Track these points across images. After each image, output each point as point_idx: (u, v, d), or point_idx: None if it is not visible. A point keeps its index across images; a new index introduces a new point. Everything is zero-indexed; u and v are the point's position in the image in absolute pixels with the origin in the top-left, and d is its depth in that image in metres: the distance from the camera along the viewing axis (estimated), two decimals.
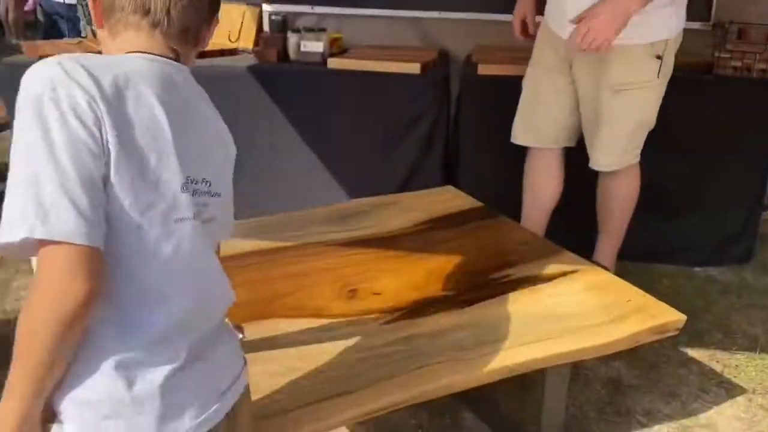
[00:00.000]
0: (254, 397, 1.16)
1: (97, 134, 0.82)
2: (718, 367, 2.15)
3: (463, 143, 2.86)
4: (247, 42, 3.24)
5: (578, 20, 2.00)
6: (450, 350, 1.33)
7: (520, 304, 1.51)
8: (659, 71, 2.12)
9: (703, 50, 2.85)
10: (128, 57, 0.93)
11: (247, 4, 3.28)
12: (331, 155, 2.91)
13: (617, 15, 1.94)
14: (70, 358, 0.82)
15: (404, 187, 2.79)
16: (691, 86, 2.70)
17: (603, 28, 1.94)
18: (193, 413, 0.89)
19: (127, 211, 0.84)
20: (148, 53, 0.94)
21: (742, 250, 2.83)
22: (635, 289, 1.59)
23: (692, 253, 2.83)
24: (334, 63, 2.87)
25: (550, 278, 1.63)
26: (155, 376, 0.86)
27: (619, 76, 2.09)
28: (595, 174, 2.56)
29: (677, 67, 2.76)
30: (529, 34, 2.43)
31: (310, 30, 3.06)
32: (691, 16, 3.05)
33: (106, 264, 0.82)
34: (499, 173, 2.68)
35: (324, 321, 1.44)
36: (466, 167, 2.87)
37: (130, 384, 0.84)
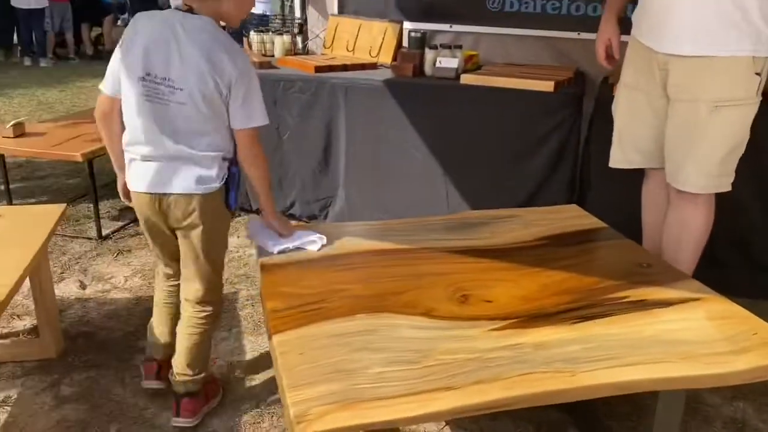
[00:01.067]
0: (366, 382, 1.26)
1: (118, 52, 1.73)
2: None
3: (593, 164, 2.82)
4: (386, 57, 3.40)
5: None
6: (556, 362, 1.35)
7: (634, 325, 1.49)
8: (758, 89, 2.03)
9: None
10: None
11: (390, 21, 3.45)
12: (460, 168, 2.99)
13: None
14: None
15: (530, 202, 2.82)
16: None
17: None
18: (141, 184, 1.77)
19: (123, 83, 1.72)
20: (174, 7, 1.71)
21: None
22: (764, 323, 1.52)
23: None
24: (466, 79, 2.95)
25: (670, 303, 1.59)
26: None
27: (722, 91, 2.01)
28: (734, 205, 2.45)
29: None
30: (614, 59, 2.39)
31: (446, 47, 3.17)
32: None
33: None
34: (628, 196, 2.61)
35: (434, 321, 1.50)
36: (594, 188, 2.84)
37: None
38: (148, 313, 2.39)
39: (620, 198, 2.65)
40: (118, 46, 1.75)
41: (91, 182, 3.19)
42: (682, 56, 2.04)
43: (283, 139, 3.21)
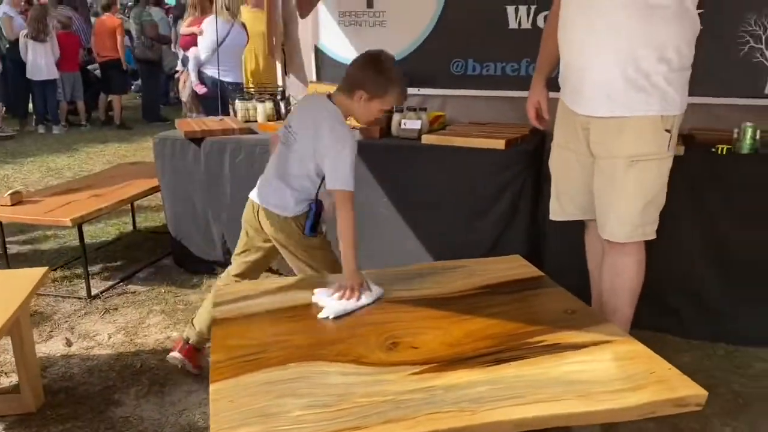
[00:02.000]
0: (284, 424, 1.40)
1: None
2: None
3: (547, 216, 2.97)
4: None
5: None
6: (463, 401, 1.48)
7: (543, 367, 1.62)
8: (669, 144, 2.20)
9: None
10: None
11: None
12: (424, 223, 3.16)
13: None
14: None
15: (490, 254, 2.95)
16: None
17: None
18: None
19: None
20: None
21: None
22: (664, 362, 1.63)
23: None
24: (427, 139, 3.15)
25: (582, 346, 1.72)
26: None
27: (635, 148, 2.17)
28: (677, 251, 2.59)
29: None
30: (545, 120, 2.57)
31: (412, 109, 3.38)
32: None
33: None
34: (582, 245, 2.76)
35: (361, 367, 1.64)
36: (550, 239, 2.98)
37: None
38: (128, 368, 2.55)
39: (575, 247, 2.79)
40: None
41: (81, 245, 3.40)
42: (598, 117, 2.22)
43: None
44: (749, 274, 2.72)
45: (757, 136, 2.73)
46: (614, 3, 2.10)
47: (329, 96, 2.28)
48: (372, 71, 2.21)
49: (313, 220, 2.32)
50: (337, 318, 1.93)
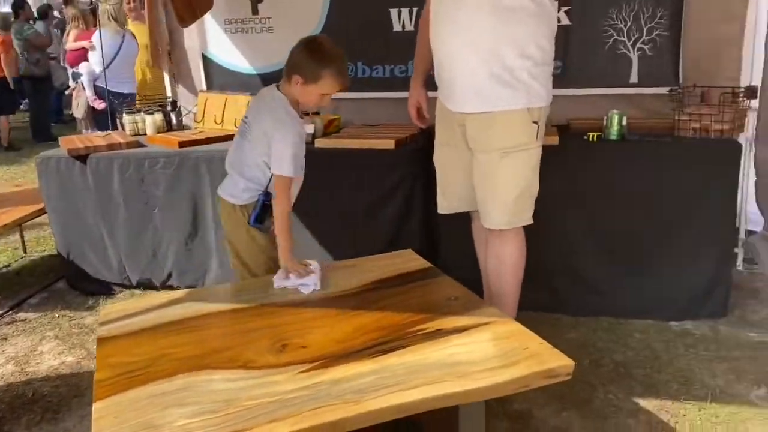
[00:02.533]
0: None
1: None
2: (665, 417, 2.22)
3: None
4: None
5: None
6: (347, 393, 1.52)
7: (425, 353, 1.69)
8: (537, 135, 2.33)
9: (669, 113, 3.02)
10: None
11: (251, 94, 3.67)
12: (321, 224, 3.19)
13: None
14: None
15: (387, 251, 3.02)
16: (655, 148, 2.87)
17: None
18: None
19: None
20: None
21: (717, 304, 2.89)
22: (538, 338, 1.74)
23: (667, 308, 2.91)
24: (320, 142, 3.19)
25: (462, 330, 1.80)
26: None
27: (506, 140, 2.30)
28: (560, 235, 2.75)
29: (641, 130, 2.97)
30: (425, 119, 2.69)
31: (305, 113, 3.40)
32: (658, 81, 3.29)
33: None
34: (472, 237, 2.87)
35: (250, 372, 1.66)
36: (446, 232, 3.08)
37: None
38: (19, 398, 2.45)
39: (468, 239, 2.90)
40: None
41: None
42: (471, 114, 2.33)
43: (153, 214, 3.34)
44: (625, 250, 2.92)
45: (624, 123, 2.93)
46: (475, 4, 2.21)
47: (278, 85, 2.29)
48: (305, 54, 2.18)
49: (259, 210, 2.31)
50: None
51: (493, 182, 2.37)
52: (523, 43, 2.24)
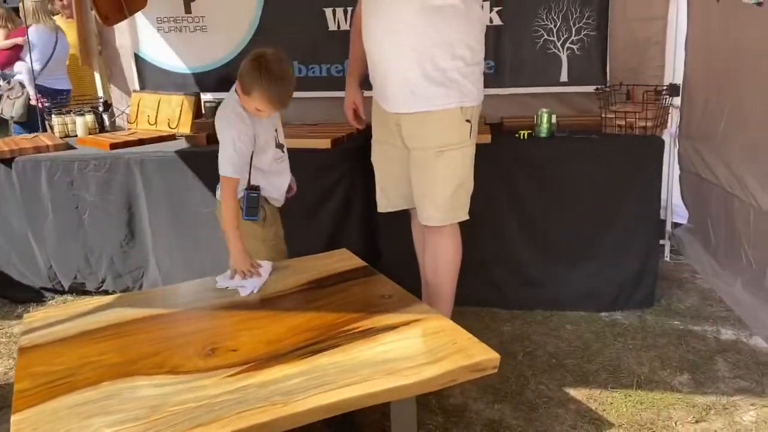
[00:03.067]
0: None
1: None
2: (593, 405, 2.29)
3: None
4: (185, 128, 3.55)
5: None
6: (275, 396, 1.52)
7: (356, 352, 1.70)
8: (470, 133, 2.38)
9: (597, 111, 3.12)
10: None
11: (186, 94, 3.61)
12: None
13: None
14: None
15: (327, 250, 3.02)
16: (583, 144, 2.96)
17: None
18: None
19: None
20: None
21: (644, 295, 3.00)
22: (466, 333, 1.77)
23: (596, 299, 3.01)
24: None
25: (393, 327, 1.82)
26: None
27: (441, 138, 2.34)
28: (495, 231, 2.80)
29: (571, 128, 3.06)
30: (362, 119, 2.72)
31: None
32: (587, 80, 3.39)
33: None
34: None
35: (177, 377, 1.63)
36: (386, 231, 3.10)
37: None
38: None
39: (409, 237, 2.92)
40: None
41: None
42: (407, 113, 2.36)
43: (83, 218, 3.24)
44: (557, 244, 3.00)
45: (553, 120, 3.01)
46: (403, 4, 2.24)
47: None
48: (247, 65, 2.15)
49: (247, 204, 2.33)
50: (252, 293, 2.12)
51: (428, 179, 2.40)
52: (453, 44, 2.27)
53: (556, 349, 2.70)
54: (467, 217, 2.47)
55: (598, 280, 2.99)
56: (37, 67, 5.05)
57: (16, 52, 5.49)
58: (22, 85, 5.55)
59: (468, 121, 2.36)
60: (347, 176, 3.07)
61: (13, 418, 1.50)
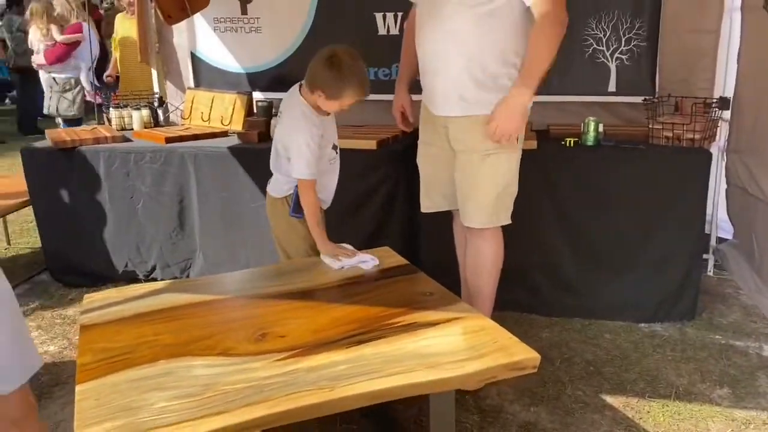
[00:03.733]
0: (149, 415, 1.45)
1: None
2: (630, 413, 2.30)
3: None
4: (238, 125, 3.67)
5: (490, 120, 2.33)
6: (322, 380, 1.58)
7: (399, 344, 1.75)
8: (518, 138, 2.42)
9: (644, 122, 3.12)
10: None
11: (239, 93, 3.73)
12: None
13: (514, 109, 2.30)
14: None
15: (368, 247, 3.08)
16: (629, 154, 2.96)
17: (507, 124, 2.30)
18: None
19: None
20: None
21: (685, 308, 2.98)
22: (507, 333, 1.81)
23: (637, 310, 3.00)
24: None
25: (435, 324, 1.87)
26: None
27: (486, 142, 2.38)
28: (537, 237, 2.82)
29: (617, 137, 3.07)
30: (410, 123, 2.77)
31: None
32: (635, 90, 3.39)
33: None
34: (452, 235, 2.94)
35: (229, 359, 1.71)
36: (427, 231, 3.15)
37: None
38: None
39: (448, 238, 2.97)
40: None
41: None
42: (455, 117, 2.41)
43: (137, 208, 3.38)
44: (599, 253, 3.01)
45: (600, 129, 3.03)
46: (458, 11, 2.29)
47: (301, 85, 2.39)
48: (327, 72, 2.24)
49: (296, 201, 2.44)
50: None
51: (473, 182, 2.44)
52: (505, 50, 2.31)
53: (593, 356, 2.71)
54: (509, 222, 2.50)
55: (639, 291, 2.98)
56: (87, 64, 5.28)
57: (71, 49, 5.72)
58: (76, 82, 5.79)
59: None
60: (391, 177, 3.13)
61: (78, 388, 1.60)
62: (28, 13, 5.79)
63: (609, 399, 2.39)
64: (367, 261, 2.31)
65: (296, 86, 2.42)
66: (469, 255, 2.58)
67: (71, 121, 5.49)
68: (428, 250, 3.15)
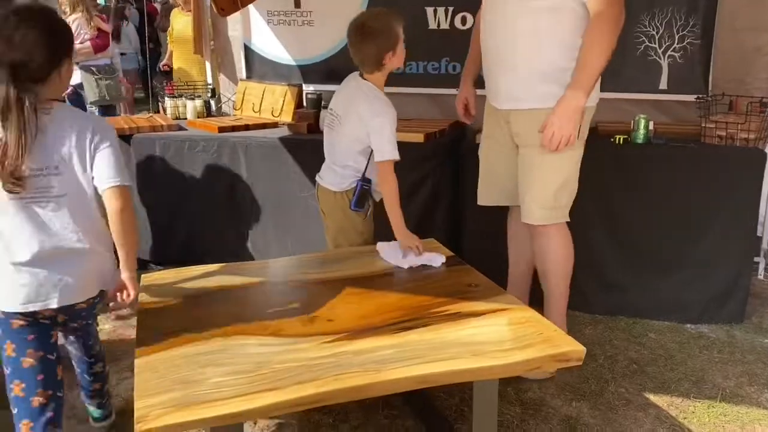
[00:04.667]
0: (204, 389, 1.52)
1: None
2: (674, 412, 2.29)
3: (467, 202, 3.17)
4: (288, 117, 3.75)
5: (542, 128, 2.33)
6: (368, 363, 1.63)
7: (444, 332, 1.79)
8: (579, 134, 2.39)
9: (696, 120, 3.07)
10: None
11: (289, 85, 3.81)
12: None
13: (570, 114, 2.28)
14: None
15: None
16: (680, 153, 2.93)
17: (563, 130, 2.29)
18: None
19: None
20: None
21: (734, 310, 2.94)
22: (552, 326, 1.83)
23: (685, 311, 2.97)
24: None
25: (480, 314, 1.89)
26: None
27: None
28: (583, 233, 2.82)
29: (668, 135, 3.02)
30: (471, 116, 2.77)
31: None
32: (688, 88, 3.33)
33: None
34: (497, 229, 2.95)
35: (280, 339, 1.78)
36: (471, 225, 3.18)
37: None
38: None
39: (492, 232, 2.99)
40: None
41: None
42: (515, 110, 2.41)
43: (190, 194, 3.49)
44: (646, 252, 2.98)
45: (650, 127, 2.99)
46: (525, 6, 2.28)
47: (360, 74, 2.45)
48: (375, 32, 2.35)
49: (359, 196, 2.46)
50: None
51: (532, 177, 2.44)
52: (572, 45, 2.29)
53: (638, 355, 2.69)
54: (567, 219, 2.49)
55: (686, 292, 2.95)
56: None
57: (108, 38, 5.79)
58: (113, 69, 5.92)
59: None
60: (437, 170, 3.17)
61: (137, 361, 1.68)
62: (65, 6, 5.79)
63: (653, 397, 2.38)
64: (434, 259, 2.29)
65: (353, 79, 2.47)
66: (536, 256, 2.58)
67: (107, 108, 5.62)
68: (472, 243, 3.17)
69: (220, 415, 1.45)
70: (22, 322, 1.82)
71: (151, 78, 5.06)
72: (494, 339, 1.75)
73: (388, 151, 2.34)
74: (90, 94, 5.50)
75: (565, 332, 1.81)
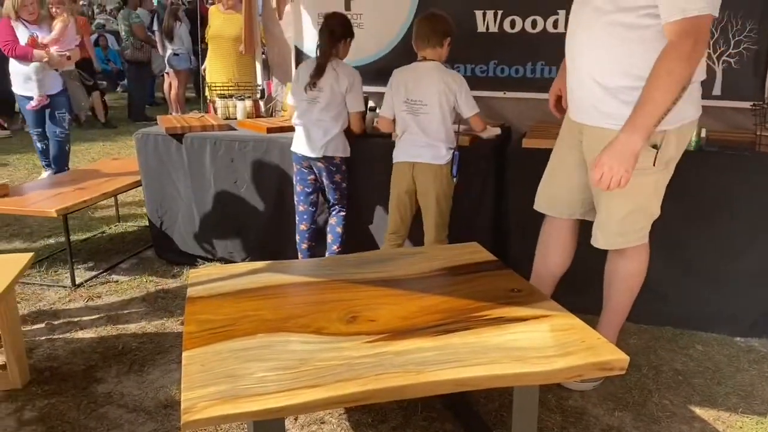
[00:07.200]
0: (249, 384, 1.56)
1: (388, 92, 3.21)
2: (721, 427, 2.23)
3: (511, 206, 3.16)
4: None
5: (594, 165, 2.15)
6: (409, 364, 1.65)
7: (485, 336, 1.79)
8: (655, 160, 2.22)
9: (751, 128, 2.99)
10: None
11: None
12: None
13: (624, 156, 2.08)
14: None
15: (457, 242, 3.12)
16: (733, 161, 2.85)
17: (613, 171, 2.10)
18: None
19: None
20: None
21: None
22: (596, 333, 1.81)
23: (734, 323, 2.89)
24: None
25: (522, 319, 1.89)
26: None
27: None
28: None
29: (721, 143, 2.94)
30: (563, 109, 2.67)
31: None
32: (743, 95, 3.25)
33: None
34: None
35: (322, 337, 1.81)
36: (516, 229, 3.16)
37: None
38: (110, 349, 2.69)
39: (537, 235, 2.95)
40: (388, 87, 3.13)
41: (66, 236, 3.54)
42: (588, 125, 2.32)
43: (240, 191, 3.57)
44: (695, 261, 2.91)
45: (703, 134, 2.92)
46: (594, 18, 2.19)
47: (424, 59, 3.01)
48: (443, 20, 2.99)
49: (459, 163, 3.01)
50: None
51: (600, 201, 2.37)
52: (636, 64, 2.12)
53: (683, 367, 2.64)
54: (641, 242, 2.41)
55: (736, 304, 2.87)
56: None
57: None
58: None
59: (654, 146, 2.19)
60: (481, 174, 3.16)
61: (185, 354, 1.73)
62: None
63: (698, 411, 2.33)
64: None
65: (419, 65, 3.01)
66: (607, 269, 2.52)
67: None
68: (517, 248, 3.16)
69: (263, 409, 1.49)
70: None
71: (203, 78, 5.17)
72: (536, 345, 1.75)
73: (475, 105, 3.03)
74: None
75: (613, 343, 1.78)
